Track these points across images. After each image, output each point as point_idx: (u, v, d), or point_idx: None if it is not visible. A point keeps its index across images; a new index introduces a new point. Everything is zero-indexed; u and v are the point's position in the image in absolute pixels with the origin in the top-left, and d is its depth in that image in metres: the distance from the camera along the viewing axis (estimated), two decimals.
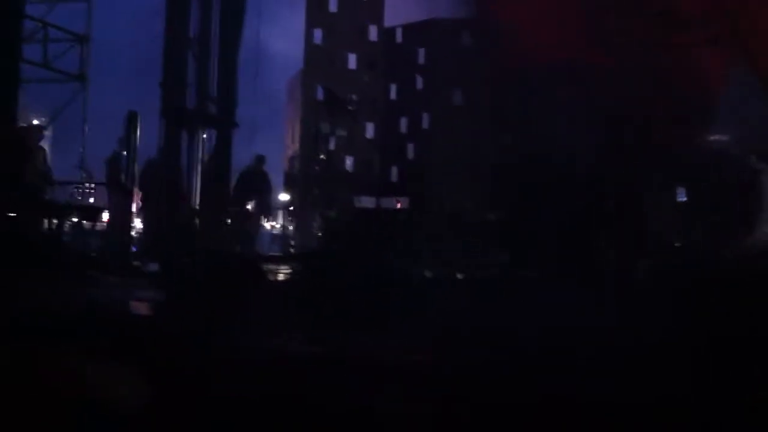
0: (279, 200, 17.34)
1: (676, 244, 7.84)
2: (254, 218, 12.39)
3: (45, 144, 9.33)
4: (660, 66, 7.07)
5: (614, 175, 6.95)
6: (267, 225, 15.25)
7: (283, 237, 17.19)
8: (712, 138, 8.07)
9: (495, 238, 8.89)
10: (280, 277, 9.27)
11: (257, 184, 12.05)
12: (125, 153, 9.97)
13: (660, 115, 7.09)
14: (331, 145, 9.01)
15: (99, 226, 10.77)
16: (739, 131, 8.19)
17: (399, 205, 12.84)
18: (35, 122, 13.10)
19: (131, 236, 10.66)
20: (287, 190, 14.46)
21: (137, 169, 10.03)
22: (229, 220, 10.63)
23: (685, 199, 8.08)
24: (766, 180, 6.98)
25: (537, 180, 7.40)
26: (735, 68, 7.49)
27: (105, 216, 11.18)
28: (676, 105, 7.17)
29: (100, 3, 16.11)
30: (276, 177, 14.81)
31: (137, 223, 11.58)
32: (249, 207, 11.83)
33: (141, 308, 5.99)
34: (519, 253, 7.68)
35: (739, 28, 7.36)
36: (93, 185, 11.73)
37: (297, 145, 11.74)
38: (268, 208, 13.07)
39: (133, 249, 10.81)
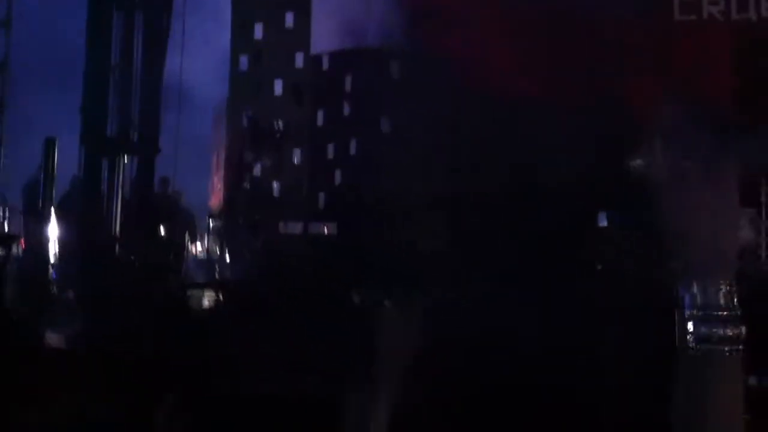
0: (205, 225, 17.05)
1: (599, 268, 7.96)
2: (174, 244, 12.14)
3: None
4: (594, 93, 7.20)
5: (534, 205, 7.03)
6: (192, 251, 14.96)
7: (208, 264, 16.88)
8: (639, 163, 8.24)
9: (422, 266, 8.89)
10: (205, 305, 9.09)
11: (165, 208, 11.84)
12: (43, 179, 9.68)
13: (593, 139, 7.20)
14: (257, 171, 8.90)
15: (14, 253, 10.39)
16: (665, 157, 8.39)
17: (326, 231, 12.76)
18: None
19: (49, 264, 10.31)
20: (213, 216, 14.23)
21: (55, 195, 9.74)
22: (150, 248, 10.39)
23: (606, 224, 8.24)
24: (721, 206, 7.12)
25: (465, 210, 7.44)
26: (663, 95, 7.69)
27: (21, 244, 10.81)
28: (607, 127, 7.31)
29: (19, 26, 15.68)
30: (202, 203, 14.55)
31: (55, 251, 11.22)
32: (165, 233, 11.59)
33: (57, 341, 5.77)
34: (447, 283, 7.68)
35: (674, 54, 7.57)
36: (7, 212, 11.33)
37: (222, 172, 11.63)
38: (186, 234, 12.82)
39: (53, 276, 10.47)
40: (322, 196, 10.89)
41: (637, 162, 8.05)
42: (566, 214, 7.37)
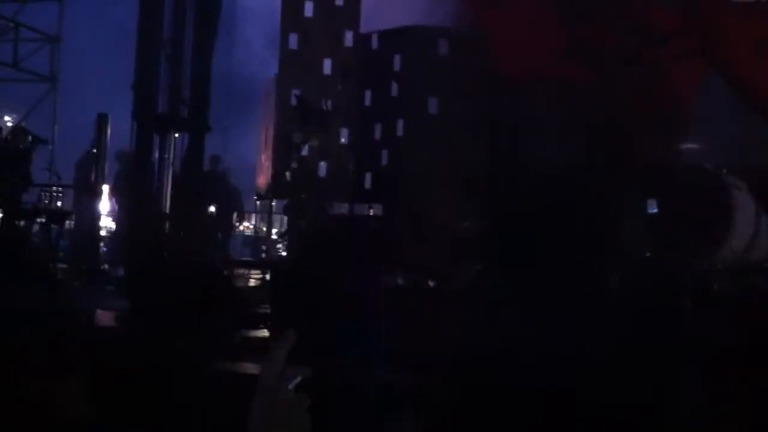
0: (252, 204, 17.24)
1: (647, 256, 7.86)
2: (223, 222, 12.30)
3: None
4: (634, 79, 7.10)
5: (589, 188, 6.96)
6: (240, 228, 15.15)
7: (255, 241, 17.08)
8: (684, 151, 8.12)
9: (470, 247, 8.88)
10: (251, 283, 9.20)
11: (216, 185, 11.98)
12: (95, 155, 9.85)
13: (634, 129, 7.12)
14: (305, 151, 8.94)
15: (67, 229, 10.63)
16: (710, 145, 8.24)
17: (372, 212, 12.79)
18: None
19: (100, 240, 10.53)
20: (260, 195, 14.36)
21: (108, 171, 9.93)
22: (200, 225, 10.54)
23: (656, 211, 8.12)
24: (737, 195, 7.02)
25: (512, 190, 7.40)
26: (707, 82, 7.54)
27: (73, 219, 11.04)
28: (649, 119, 7.20)
29: (72, 3, 15.92)
30: (249, 182, 14.70)
31: (107, 227, 11.46)
32: (212, 210, 11.75)
33: (108, 317, 5.89)
34: (494, 264, 7.67)
35: (712, 41, 7.40)
36: (61, 188, 11.57)
37: (270, 151, 11.65)
38: (233, 210, 12.99)
39: (104, 251, 10.69)
40: (368, 176, 10.88)
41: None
42: (613, 198, 7.29)
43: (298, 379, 1.53)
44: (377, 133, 11.40)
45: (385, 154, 11.25)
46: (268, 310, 6.13)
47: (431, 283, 8.18)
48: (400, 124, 11.21)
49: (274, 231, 15.03)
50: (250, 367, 4.35)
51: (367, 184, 11.11)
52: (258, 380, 1.51)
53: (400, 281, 8.30)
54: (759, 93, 7.71)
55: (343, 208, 11.38)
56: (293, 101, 10.72)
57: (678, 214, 7.24)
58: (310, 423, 1.47)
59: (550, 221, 6.96)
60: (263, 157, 12.76)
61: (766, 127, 8.01)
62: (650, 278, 6.81)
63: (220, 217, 12.46)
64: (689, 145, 8.49)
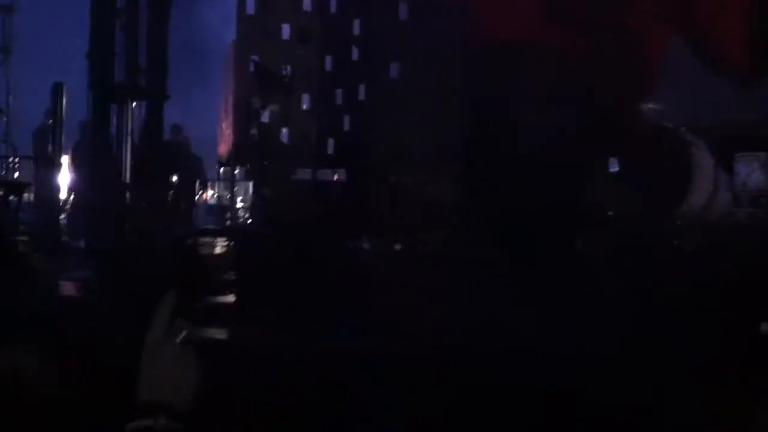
0: (215, 172, 17.10)
1: (610, 215, 7.95)
2: (184, 191, 12.18)
3: None
4: (604, 39, 7.10)
5: (557, 150, 6.97)
6: (203, 197, 15.03)
7: (219, 210, 16.96)
8: (648, 110, 8.16)
9: (433, 212, 8.91)
10: (216, 251, 9.14)
11: (177, 154, 11.85)
12: (52, 125, 9.67)
13: (604, 90, 7.13)
14: (265, 118, 8.85)
15: (26, 200, 10.45)
16: (671, 105, 8.31)
17: (336, 178, 12.76)
18: None
19: (60, 211, 10.38)
20: (222, 163, 14.24)
21: (65, 141, 9.75)
22: (160, 195, 10.43)
23: (617, 169, 8.19)
24: (696, 152, 7.10)
25: (477, 155, 7.40)
26: (675, 41, 7.57)
27: (32, 191, 10.85)
28: (618, 79, 7.22)
29: None
30: (211, 150, 14.55)
31: (66, 198, 11.29)
32: (174, 179, 11.63)
33: (69, 289, 5.81)
34: (459, 229, 7.69)
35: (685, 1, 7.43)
36: (18, 159, 11.35)
37: (231, 119, 11.52)
38: (197, 179, 12.87)
39: (64, 223, 10.54)
40: (330, 142, 10.84)
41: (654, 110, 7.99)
42: (580, 160, 7.33)
43: (184, 333, 1.66)
44: (339, 99, 11.34)
45: (347, 119, 11.20)
46: (234, 277, 6.10)
47: (398, 247, 8.19)
48: (362, 89, 11.15)
49: (237, 199, 14.93)
50: (217, 333, 4.33)
51: (331, 149, 11.06)
52: (145, 338, 1.63)
53: (366, 246, 8.30)
54: (721, 51, 7.76)
55: (306, 174, 11.34)
56: (252, 68, 10.60)
57: (638, 172, 7.31)
58: (197, 375, 1.58)
59: (519, 181, 6.98)
60: (224, 125, 12.62)
61: (727, 85, 8.09)
62: (615, 237, 6.89)
63: (182, 187, 12.32)
64: (649, 104, 8.54)
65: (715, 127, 8.01)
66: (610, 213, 7.95)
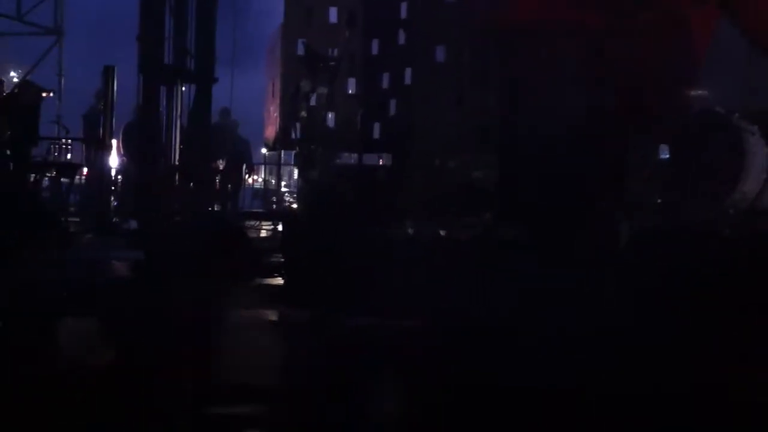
0: (261, 155, 17.22)
1: (659, 202, 7.86)
2: (233, 174, 12.29)
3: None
4: (647, 25, 7.00)
5: (602, 136, 6.91)
6: (249, 180, 15.17)
7: (265, 193, 17.11)
8: (697, 97, 8.03)
9: (481, 198, 8.88)
10: (262, 234, 9.24)
11: (226, 138, 11.95)
12: (102, 108, 9.82)
13: (647, 75, 7.04)
14: (312, 101, 8.88)
15: (77, 182, 10.64)
16: (723, 90, 8.16)
17: (381, 162, 12.76)
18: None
19: (111, 193, 10.56)
20: (269, 147, 14.34)
21: (115, 124, 9.90)
22: (209, 177, 10.56)
23: (668, 156, 8.08)
24: (750, 139, 6.97)
25: (523, 140, 7.36)
26: (721, 27, 7.43)
27: (83, 172, 11.05)
28: (663, 64, 7.12)
29: None
30: (257, 134, 14.66)
31: (117, 180, 11.48)
32: (222, 162, 11.75)
33: (120, 269, 5.93)
34: (505, 215, 7.66)
35: None
36: (70, 141, 11.56)
37: (277, 102, 11.60)
38: (244, 163, 12.98)
39: (114, 205, 10.73)
40: (377, 126, 10.83)
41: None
42: (623, 147, 7.25)
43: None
44: (385, 83, 11.31)
45: (393, 103, 11.17)
46: (281, 260, 6.17)
47: (442, 233, 8.19)
48: (408, 72, 11.11)
49: (283, 183, 15.03)
50: (266, 314, 4.39)
51: (376, 134, 11.06)
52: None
53: (410, 230, 8.32)
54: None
55: (352, 159, 11.36)
56: (300, 51, 10.64)
57: (690, 160, 7.20)
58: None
59: (564, 170, 6.93)
60: (271, 109, 12.70)
61: None
62: (664, 226, 6.81)
63: (230, 170, 12.45)
64: (701, 91, 8.40)
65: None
66: (660, 200, 7.87)
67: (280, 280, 5.42)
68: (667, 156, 7.96)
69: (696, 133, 7.36)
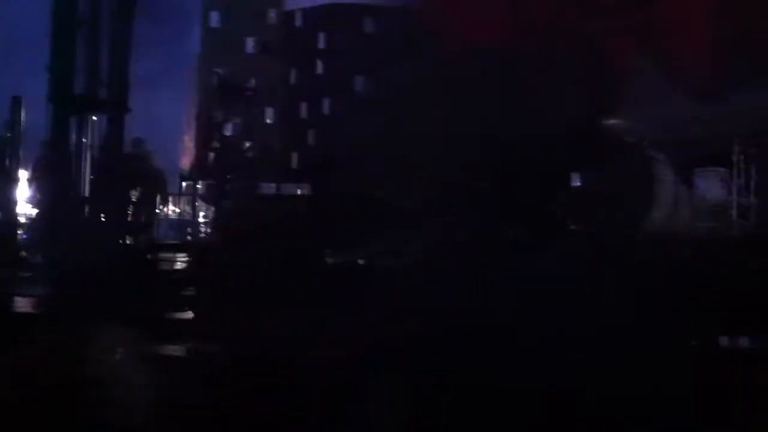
0: (178, 186, 16.91)
1: (572, 228, 8.00)
2: (146, 205, 12.03)
3: None
4: (573, 52, 7.17)
5: (523, 161, 7.02)
6: (166, 212, 14.86)
7: (182, 224, 16.79)
8: (612, 125, 8.26)
9: (403, 225, 8.89)
10: (177, 266, 9.04)
11: (139, 168, 11.69)
12: (9, 139, 9.51)
13: (569, 99, 7.19)
14: (228, 131, 8.78)
15: None
16: (638, 120, 8.40)
17: (300, 191, 12.69)
18: None
19: (18, 225, 10.19)
20: (185, 177, 14.11)
21: (23, 155, 9.59)
22: (121, 209, 10.29)
23: (579, 184, 8.27)
24: (659, 167, 7.19)
25: (443, 168, 7.41)
26: (639, 58, 7.67)
27: None
28: (584, 90, 7.30)
29: None
30: (174, 164, 14.41)
31: (26, 213, 11.09)
32: (136, 194, 11.49)
33: (27, 304, 5.69)
34: (427, 240, 7.69)
35: (651, 18, 7.52)
36: None
37: (193, 132, 11.45)
38: (158, 193, 12.72)
39: (23, 237, 10.36)
40: (295, 156, 10.79)
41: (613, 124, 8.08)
42: (545, 171, 7.39)
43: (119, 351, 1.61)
44: (303, 112, 11.30)
45: (312, 133, 11.16)
46: (195, 293, 6.02)
47: (362, 261, 8.15)
48: (327, 102, 11.13)
49: (200, 213, 14.76)
50: (176, 350, 4.26)
51: (295, 163, 11.02)
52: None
53: (331, 260, 8.25)
54: (685, 71, 7.89)
55: (270, 189, 11.26)
56: (215, 80, 10.53)
57: (602, 187, 7.38)
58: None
59: (486, 197, 7.01)
60: (186, 138, 12.52)
61: (690, 103, 8.21)
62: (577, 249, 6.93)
63: (144, 201, 12.16)
64: (613, 120, 8.64)
65: (676, 143, 8.11)
66: (574, 227, 8.02)
67: (191, 314, 5.29)
68: (579, 184, 8.15)
69: (608, 161, 7.55)
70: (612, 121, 8.52)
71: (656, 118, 8.60)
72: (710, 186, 8.83)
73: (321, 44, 11.14)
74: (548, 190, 7.39)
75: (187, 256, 9.47)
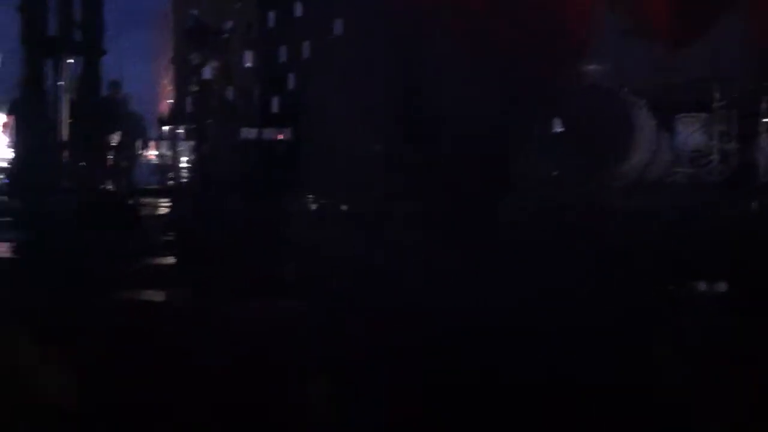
0: (158, 130, 16.74)
1: (553, 174, 8.02)
2: (126, 149, 11.93)
3: None
4: (533, 4, 7.10)
5: (493, 111, 6.99)
6: (146, 156, 14.73)
7: (162, 168, 16.67)
8: (586, 71, 8.22)
9: (378, 171, 8.87)
10: (158, 212, 9.00)
11: (117, 112, 11.55)
12: None
13: (537, 50, 7.15)
14: (206, 75, 8.66)
15: None
16: (612, 66, 8.37)
17: (281, 137, 12.60)
18: None
19: None
20: (164, 122, 13.96)
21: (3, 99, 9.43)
22: (100, 153, 10.19)
23: (561, 130, 8.25)
24: (638, 113, 7.19)
25: (418, 114, 7.37)
26: (609, 5, 7.62)
27: None
28: (552, 39, 7.24)
29: None
30: (152, 108, 14.24)
31: (5, 157, 10.97)
32: (115, 138, 11.38)
33: (7, 250, 5.65)
34: (402, 187, 7.68)
35: None
36: None
37: (170, 76, 11.24)
38: (136, 137, 12.60)
39: (5, 181, 10.27)
40: (275, 100, 10.68)
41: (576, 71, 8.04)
42: (516, 121, 7.36)
43: None
44: (283, 56, 11.15)
45: (291, 77, 11.03)
46: (174, 238, 6.00)
47: (343, 207, 8.15)
48: (306, 46, 10.98)
49: (181, 158, 14.65)
50: (156, 295, 4.26)
51: (275, 108, 10.91)
52: None
53: (311, 206, 8.25)
54: (651, 19, 7.84)
55: (250, 134, 11.16)
56: (191, 22, 10.34)
57: (580, 134, 7.38)
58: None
59: (457, 146, 6.99)
60: (164, 83, 12.34)
61: (670, 48, 8.17)
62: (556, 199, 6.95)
63: (123, 145, 12.04)
64: (589, 66, 8.60)
65: (656, 88, 8.09)
66: (554, 173, 8.03)
67: (170, 260, 5.27)
68: (559, 130, 8.15)
69: (585, 107, 7.54)
70: (592, 67, 8.49)
71: (636, 64, 8.58)
72: (691, 132, 8.84)
73: None
74: (521, 137, 7.39)
75: (169, 201, 9.42)
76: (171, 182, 13.13)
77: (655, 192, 7.59)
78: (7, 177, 10.77)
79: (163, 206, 9.37)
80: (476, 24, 7.08)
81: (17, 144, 10.43)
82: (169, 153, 17.59)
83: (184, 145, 14.87)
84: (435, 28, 7.29)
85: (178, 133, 12.24)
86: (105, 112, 10.48)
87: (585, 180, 7.06)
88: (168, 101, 11.66)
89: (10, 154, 11.13)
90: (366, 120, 9.61)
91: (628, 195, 6.94)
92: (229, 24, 9.54)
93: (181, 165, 14.76)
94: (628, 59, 8.48)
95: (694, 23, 7.76)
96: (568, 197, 6.63)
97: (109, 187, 10.87)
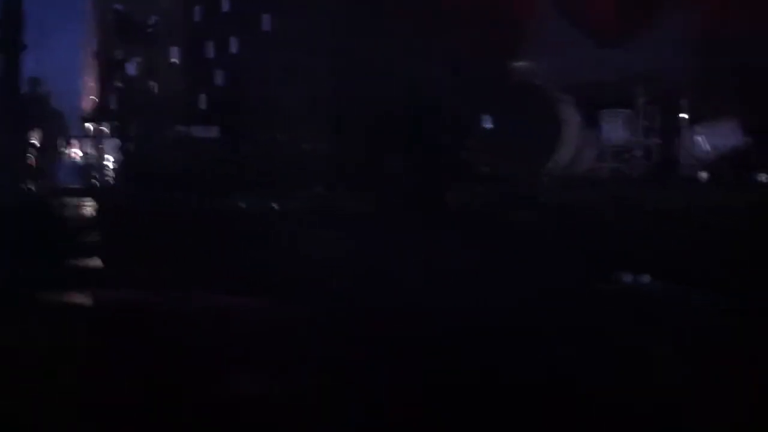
0: (80, 129, 16.29)
1: (484, 170, 8.09)
2: (47, 148, 11.60)
3: None
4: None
5: (428, 106, 7.01)
6: (70, 155, 14.32)
7: (85, 168, 16.23)
8: (518, 68, 8.31)
9: (311, 169, 8.81)
10: (81, 211, 8.76)
11: (37, 110, 11.23)
12: None
13: (471, 45, 7.20)
14: (131, 71, 8.45)
15: None
16: (543, 63, 8.47)
17: (206, 134, 12.40)
18: None
19: None
20: (87, 119, 13.59)
21: None
22: (20, 152, 9.87)
23: (490, 126, 8.33)
24: (566, 109, 7.29)
25: (353, 111, 7.34)
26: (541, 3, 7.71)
27: None
28: (486, 34, 7.31)
29: None
30: (75, 105, 13.84)
31: None
32: (34, 136, 11.05)
33: None
34: (338, 185, 7.65)
35: None
36: None
37: (94, 71, 10.95)
38: (58, 135, 12.26)
39: None
40: (202, 97, 10.49)
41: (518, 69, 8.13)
42: (448, 117, 7.40)
43: None
44: (210, 52, 10.96)
45: (219, 73, 10.85)
46: (98, 239, 5.85)
47: (275, 205, 8.07)
48: (234, 42, 10.81)
49: (105, 156, 14.27)
50: (80, 298, 4.14)
51: (202, 105, 10.72)
52: None
53: (242, 204, 8.14)
54: (590, 13, 7.97)
55: (177, 131, 10.95)
56: (114, 17, 10.08)
57: (509, 128, 7.46)
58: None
59: (393, 139, 6.99)
60: (87, 79, 12.02)
61: (596, 45, 8.31)
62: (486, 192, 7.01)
63: (44, 143, 11.69)
64: (519, 63, 8.70)
65: (582, 85, 8.22)
66: (486, 167, 8.10)
67: (95, 261, 5.13)
68: (490, 126, 8.22)
69: (515, 103, 7.62)
70: (518, 64, 8.58)
71: (562, 61, 8.70)
72: (615, 127, 9.01)
73: None
74: (451, 133, 7.43)
75: (92, 201, 9.19)
76: (95, 182, 12.80)
77: (580, 186, 7.73)
78: None
79: (87, 206, 9.12)
80: (413, 17, 7.09)
81: None
82: (92, 151, 17.15)
83: (109, 143, 14.52)
84: (369, 20, 7.26)
85: (102, 130, 11.92)
86: (25, 109, 10.17)
87: (515, 174, 7.14)
88: (91, 98, 11.34)
89: None
90: (297, 116, 9.54)
91: (554, 188, 7.05)
92: (154, 18, 9.31)
93: (106, 164, 14.40)
94: (557, 57, 8.60)
95: (621, 22, 7.92)
96: (501, 192, 6.70)
97: (30, 187, 10.54)
